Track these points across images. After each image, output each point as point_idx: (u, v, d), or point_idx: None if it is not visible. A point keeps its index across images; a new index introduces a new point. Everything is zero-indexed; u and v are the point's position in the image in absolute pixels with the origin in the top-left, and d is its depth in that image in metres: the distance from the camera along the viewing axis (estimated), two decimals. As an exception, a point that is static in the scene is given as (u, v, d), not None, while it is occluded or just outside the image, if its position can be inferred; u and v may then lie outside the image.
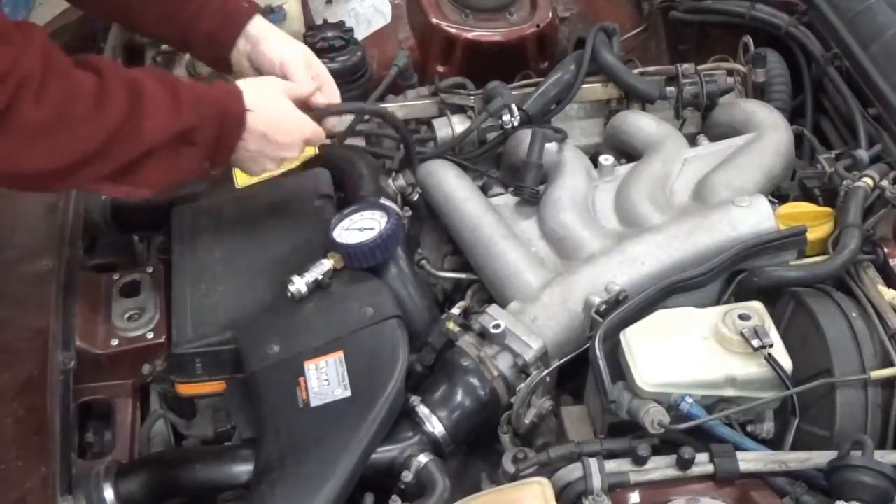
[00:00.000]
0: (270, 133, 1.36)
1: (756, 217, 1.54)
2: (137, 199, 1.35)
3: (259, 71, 1.49)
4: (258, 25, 1.49)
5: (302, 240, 1.54)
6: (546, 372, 1.42)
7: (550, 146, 1.75)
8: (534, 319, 1.47)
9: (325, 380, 1.34)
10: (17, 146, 1.17)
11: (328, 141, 1.49)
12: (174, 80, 1.32)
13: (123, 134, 1.21)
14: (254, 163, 1.40)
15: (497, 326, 1.44)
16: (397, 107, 1.91)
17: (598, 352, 1.32)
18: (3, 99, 1.13)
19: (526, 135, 1.76)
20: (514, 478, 1.30)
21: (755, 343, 1.30)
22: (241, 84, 1.36)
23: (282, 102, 1.40)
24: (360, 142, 1.88)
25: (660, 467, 1.25)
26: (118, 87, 1.22)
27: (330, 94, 1.50)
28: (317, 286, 1.43)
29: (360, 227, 1.46)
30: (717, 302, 1.48)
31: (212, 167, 1.34)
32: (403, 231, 1.51)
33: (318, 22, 2.05)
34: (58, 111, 1.17)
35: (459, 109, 1.89)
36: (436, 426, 1.37)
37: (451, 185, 1.72)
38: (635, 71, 1.94)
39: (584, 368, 1.39)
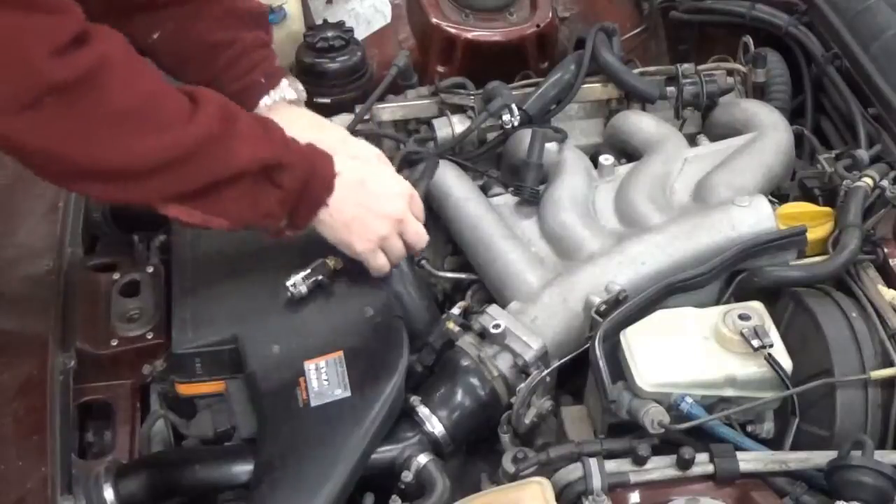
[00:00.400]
0: (368, 181, 1.32)
1: (756, 217, 1.54)
2: (211, 227, 1.27)
3: None
4: (270, 102, 1.45)
5: (302, 239, 1.53)
6: (546, 372, 1.42)
7: (550, 146, 1.75)
8: (534, 319, 1.47)
9: (325, 380, 1.34)
10: (95, 128, 1.10)
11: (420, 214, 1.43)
12: (266, 119, 1.27)
13: (212, 149, 1.16)
14: (347, 230, 1.33)
15: (497, 326, 1.44)
16: (397, 107, 1.91)
17: (598, 352, 1.32)
18: (85, 64, 1.07)
19: (526, 135, 1.76)
20: (514, 478, 1.30)
21: (755, 343, 1.30)
22: (338, 155, 1.32)
23: (380, 161, 1.36)
24: (360, 142, 1.88)
25: (660, 467, 1.25)
26: (212, 104, 1.18)
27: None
28: (317, 286, 1.43)
29: None
30: (717, 302, 1.48)
31: (289, 225, 1.27)
32: None
33: (318, 22, 2.06)
34: (149, 102, 1.12)
35: (459, 109, 1.88)
36: (436, 426, 1.37)
37: (451, 184, 1.72)
38: (635, 71, 1.94)
39: (584, 368, 1.39)
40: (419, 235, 1.41)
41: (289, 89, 1.49)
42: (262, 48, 1.47)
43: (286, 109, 1.47)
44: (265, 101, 1.45)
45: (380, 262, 1.39)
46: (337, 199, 1.30)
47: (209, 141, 1.16)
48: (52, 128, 1.09)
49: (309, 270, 1.42)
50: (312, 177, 1.26)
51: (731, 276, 1.49)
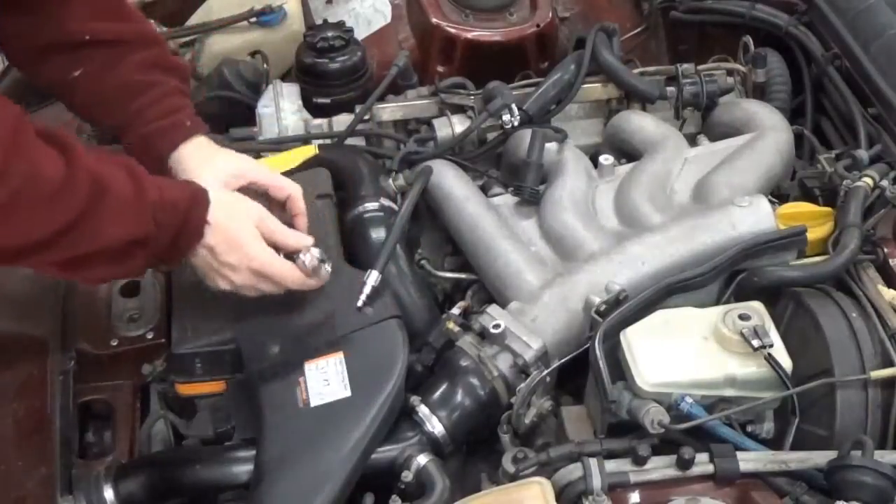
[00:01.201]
0: (219, 250, 1.30)
1: (756, 217, 1.54)
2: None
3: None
4: (190, 153, 1.41)
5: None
6: (546, 372, 1.42)
7: (550, 146, 1.75)
8: (534, 319, 1.47)
9: (325, 380, 1.34)
10: None
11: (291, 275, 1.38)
12: (142, 175, 1.24)
13: (78, 230, 1.17)
14: (203, 271, 1.34)
15: (497, 326, 1.44)
16: (397, 107, 1.91)
17: (598, 352, 1.32)
18: None
19: (526, 135, 1.76)
20: (514, 478, 1.30)
21: (755, 343, 1.30)
22: (214, 197, 1.29)
23: (248, 229, 1.32)
24: (360, 142, 1.88)
25: (660, 467, 1.25)
26: (82, 180, 1.16)
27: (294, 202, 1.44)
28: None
29: None
30: (717, 302, 1.48)
31: (158, 269, 1.31)
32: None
33: (318, 22, 2.05)
34: (16, 194, 1.11)
35: (459, 109, 1.88)
36: (436, 426, 1.37)
37: (451, 184, 1.72)
38: (635, 71, 1.94)
39: (584, 368, 1.39)
40: (286, 281, 1.37)
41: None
42: (182, 95, 1.47)
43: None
44: (184, 151, 1.42)
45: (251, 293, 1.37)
46: (204, 244, 1.30)
47: (76, 223, 1.15)
48: None
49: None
50: (182, 231, 1.26)
51: (731, 276, 1.49)
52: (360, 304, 1.40)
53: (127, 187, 1.21)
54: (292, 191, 1.44)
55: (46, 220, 1.15)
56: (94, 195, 1.17)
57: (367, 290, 1.41)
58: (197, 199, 1.28)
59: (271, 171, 1.49)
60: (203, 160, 1.42)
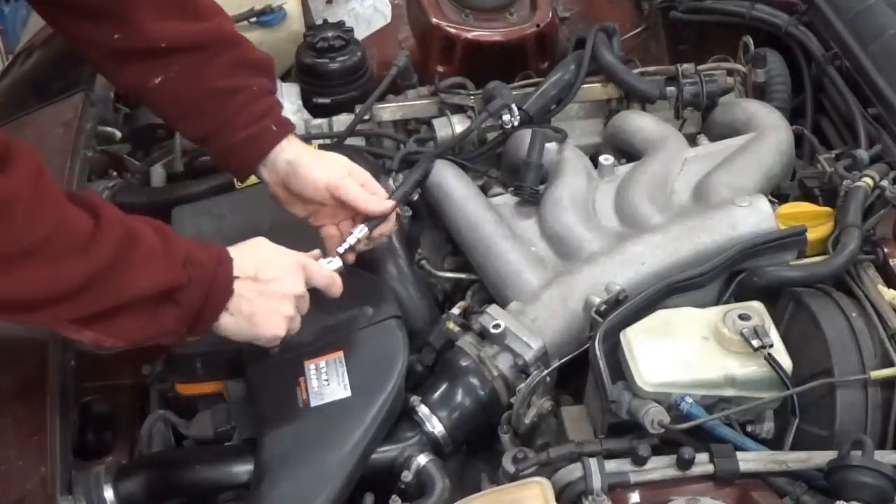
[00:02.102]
0: (259, 307, 1.26)
1: (756, 217, 1.54)
2: (105, 348, 1.21)
3: (302, 196, 1.41)
4: (289, 151, 1.39)
5: (302, 239, 1.53)
6: (546, 372, 1.42)
7: (550, 146, 1.75)
8: (534, 319, 1.47)
9: (325, 380, 1.35)
10: None
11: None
12: (169, 231, 1.22)
13: (109, 278, 1.13)
14: (251, 324, 1.27)
15: (497, 326, 1.44)
16: (397, 107, 1.91)
17: (598, 352, 1.32)
18: None
19: (526, 135, 1.76)
20: (514, 478, 1.30)
21: (755, 343, 1.30)
22: (234, 252, 1.26)
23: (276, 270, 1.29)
24: (360, 142, 1.88)
25: (660, 467, 1.25)
26: (113, 228, 1.14)
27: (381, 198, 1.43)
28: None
29: None
30: (717, 302, 1.48)
31: (189, 334, 1.23)
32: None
33: (318, 22, 2.06)
34: (48, 238, 1.08)
35: (459, 109, 1.89)
36: (436, 426, 1.37)
37: (451, 185, 1.72)
38: (635, 71, 1.94)
39: (584, 368, 1.39)
40: (307, 306, 1.34)
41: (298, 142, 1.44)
42: (269, 95, 1.43)
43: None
44: (282, 155, 1.40)
45: (277, 343, 1.33)
46: (234, 300, 1.24)
47: (107, 270, 1.12)
48: None
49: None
50: (212, 289, 1.21)
51: (731, 276, 1.49)
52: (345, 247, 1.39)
53: (156, 240, 1.18)
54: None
55: (76, 268, 1.11)
56: (124, 244, 1.14)
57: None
58: (222, 258, 1.24)
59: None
60: (312, 159, 1.40)
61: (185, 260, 1.19)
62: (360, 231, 1.40)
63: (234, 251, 1.26)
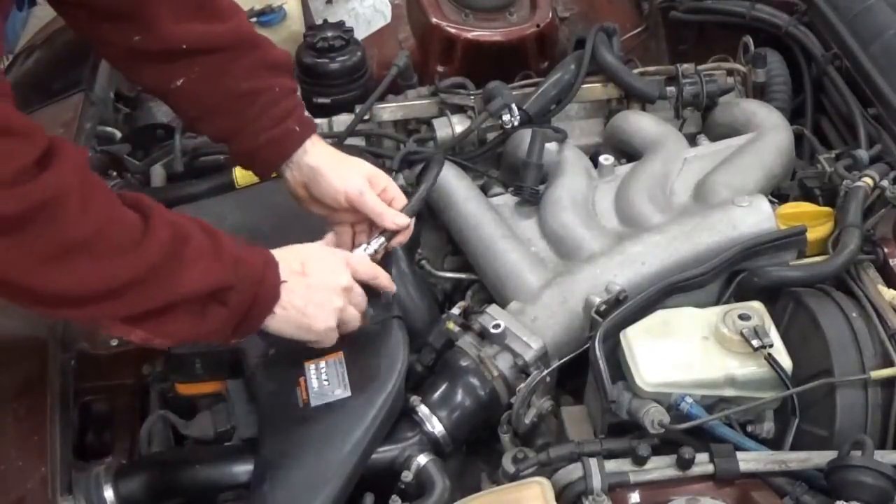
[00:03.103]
0: (307, 309, 1.27)
1: (756, 217, 1.54)
2: (154, 346, 1.21)
3: (321, 202, 1.42)
4: (312, 155, 1.40)
5: (302, 240, 1.53)
6: (546, 372, 1.42)
7: (550, 146, 1.75)
8: (534, 319, 1.47)
9: (325, 380, 1.35)
10: (43, 261, 1.06)
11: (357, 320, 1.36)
12: (219, 233, 1.22)
13: (160, 275, 1.12)
14: (302, 319, 1.28)
15: (497, 326, 1.44)
16: (397, 107, 1.91)
17: (598, 352, 1.32)
18: (39, 196, 1.03)
19: (526, 135, 1.76)
20: (514, 478, 1.30)
21: (755, 343, 1.30)
22: (279, 253, 1.27)
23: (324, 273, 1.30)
24: (360, 142, 1.88)
25: (660, 467, 1.25)
26: (163, 226, 1.13)
27: (400, 207, 1.43)
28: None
29: None
30: (717, 302, 1.48)
31: (236, 333, 1.23)
32: None
33: (318, 22, 2.06)
34: (100, 231, 1.08)
35: (459, 109, 1.89)
36: (436, 426, 1.37)
37: (451, 185, 1.72)
38: (635, 71, 1.94)
39: (584, 368, 1.39)
40: (362, 299, 1.35)
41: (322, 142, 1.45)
42: (291, 95, 1.43)
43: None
44: (305, 159, 1.41)
45: (333, 339, 1.33)
46: (283, 298, 1.25)
47: (157, 267, 1.12)
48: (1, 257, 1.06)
49: None
50: (260, 290, 1.22)
51: (731, 276, 1.49)
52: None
53: (205, 240, 1.18)
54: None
55: (129, 262, 1.10)
56: (175, 240, 1.14)
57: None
58: (268, 260, 1.25)
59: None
60: (337, 163, 1.41)
61: (235, 259, 1.19)
62: (378, 242, 1.41)
63: (279, 253, 1.27)
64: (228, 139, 1.42)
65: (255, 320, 1.24)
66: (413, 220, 1.45)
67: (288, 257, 1.27)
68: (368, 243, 1.41)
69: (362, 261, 1.37)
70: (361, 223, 1.44)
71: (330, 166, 1.41)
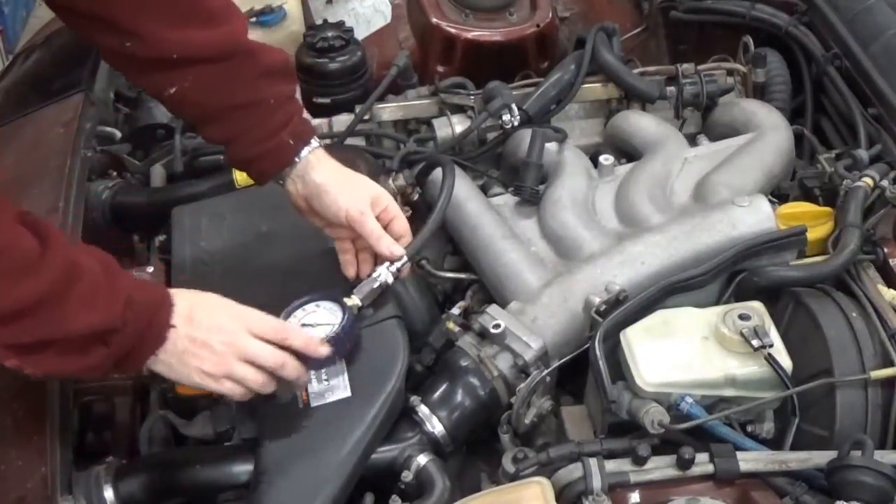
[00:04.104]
0: (188, 355, 1.22)
1: (756, 217, 1.54)
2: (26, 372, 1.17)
3: (324, 218, 1.41)
4: (319, 172, 1.38)
5: (302, 240, 1.54)
6: (546, 372, 1.42)
7: (550, 146, 1.75)
8: (534, 319, 1.47)
9: (325, 380, 1.34)
10: None
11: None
12: (116, 269, 1.19)
13: (47, 310, 1.10)
14: (181, 365, 1.23)
15: (497, 326, 1.44)
16: (397, 107, 1.91)
17: (598, 352, 1.32)
18: None
19: (526, 135, 1.76)
20: (514, 478, 1.30)
21: (755, 343, 1.30)
22: (178, 296, 1.23)
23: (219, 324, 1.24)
24: (360, 142, 1.88)
25: (660, 467, 1.25)
26: (58, 260, 1.11)
27: (399, 227, 1.42)
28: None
29: (313, 323, 1.34)
30: (717, 302, 1.48)
31: (114, 371, 1.21)
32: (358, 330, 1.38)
33: (318, 22, 2.06)
34: None
35: (459, 109, 1.89)
36: (436, 426, 1.37)
37: (452, 185, 1.72)
38: (635, 71, 1.94)
39: (584, 368, 1.39)
40: (270, 360, 1.25)
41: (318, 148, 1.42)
42: (287, 104, 1.40)
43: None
44: (311, 174, 1.39)
45: (234, 391, 1.26)
46: (167, 344, 1.21)
47: (45, 302, 1.09)
48: None
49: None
50: (147, 333, 1.19)
51: (731, 276, 1.49)
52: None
53: (101, 277, 1.16)
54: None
55: (14, 294, 1.08)
56: (66, 277, 1.11)
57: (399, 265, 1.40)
58: (163, 302, 1.21)
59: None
60: (343, 182, 1.39)
61: (126, 301, 1.16)
62: (378, 278, 1.38)
63: (180, 294, 1.23)
64: (224, 144, 1.42)
65: (136, 361, 1.21)
66: (407, 258, 1.41)
67: (183, 303, 1.23)
68: (371, 274, 1.40)
69: (264, 323, 1.27)
70: (361, 240, 1.42)
71: (336, 184, 1.39)
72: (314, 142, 1.41)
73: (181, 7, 1.32)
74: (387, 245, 1.39)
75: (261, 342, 1.25)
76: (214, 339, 1.23)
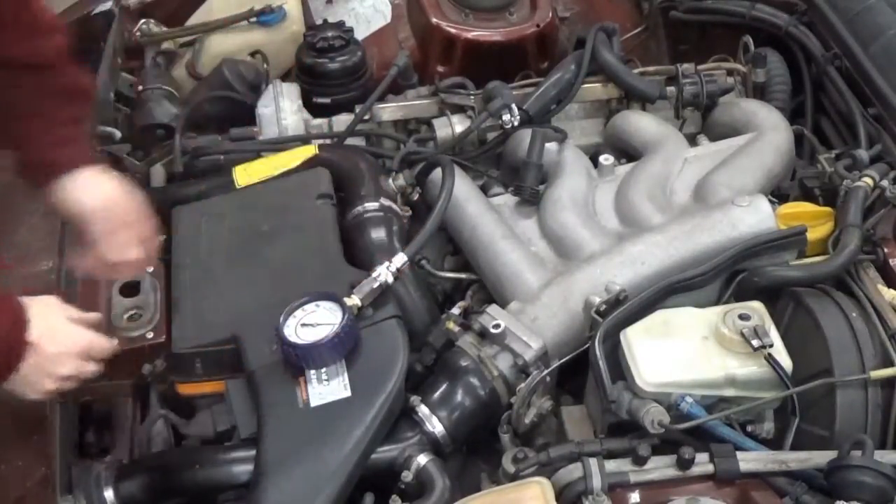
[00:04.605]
0: (42, 357, 1.24)
1: (756, 217, 1.54)
2: None
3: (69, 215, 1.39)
4: (73, 183, 1.36)
5: (302, 240, 1.54)
6: (546, 372, 1.42)
7: (550, 146, 1.75)
8: (534, 319, 1.47)
9: (325, 380, 1.34)
10: None
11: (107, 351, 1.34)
12: None
13: None
14: (28, 385, 1.26)
15: (497, 326, 1.44)
16: (397, 107, 1.91)
17: (598, 352, 1.32)
18: None
19: (526, 135, 1.76)
20: (514, 478, 1.30)
21: (755, 343, 1.30)
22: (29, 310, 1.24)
23: (58, 323, 1.28)
24: (360, 142, 1.88)
25: (660, 467, 1.25)
26: None
27: (144, 228, 1.40)
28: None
29: (313, 323, 1.36)
30: (717, 302, 1.48)
31: None
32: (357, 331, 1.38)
33: (318, 22, 2.06)
34: None
35: (459, 109, 1.89)
36: (436, 426, 1.37)
37: (452, 185, 1.72)
38: (635, 71, 1.94)
39: (584, 368, 1.39)
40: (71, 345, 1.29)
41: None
42: (72, 125, 1.38)
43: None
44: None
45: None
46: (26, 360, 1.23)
47: None
48: None
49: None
50: (9, 353, 1.21)
51: (731, 276, 1.49)
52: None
53: None
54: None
55: None
56: None
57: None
58: (18, 321, 1.22)
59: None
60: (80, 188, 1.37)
61: None
62: (378, 278, 1.40)
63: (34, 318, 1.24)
64: (12, 149, 1.39)
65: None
66: (406, 259, 1.44)
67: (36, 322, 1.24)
68: (371, 274, 1.40)
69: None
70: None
71: (78, 190, 1.36)
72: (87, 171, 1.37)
73: (6, 15, 1.31)
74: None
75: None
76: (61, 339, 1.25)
